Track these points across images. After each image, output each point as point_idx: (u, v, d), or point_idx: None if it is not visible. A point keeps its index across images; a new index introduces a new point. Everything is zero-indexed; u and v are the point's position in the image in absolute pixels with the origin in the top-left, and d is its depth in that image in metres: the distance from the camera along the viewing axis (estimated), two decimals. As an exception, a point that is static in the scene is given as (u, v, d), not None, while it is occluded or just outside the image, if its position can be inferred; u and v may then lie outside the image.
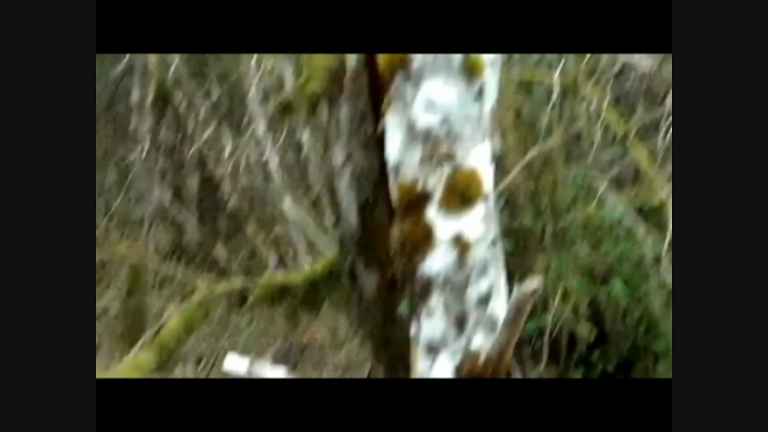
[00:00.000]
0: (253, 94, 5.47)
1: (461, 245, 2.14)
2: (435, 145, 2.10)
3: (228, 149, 5.89)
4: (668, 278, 4.70)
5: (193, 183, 6.67)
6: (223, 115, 6.23)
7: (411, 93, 2.09)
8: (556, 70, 4.88)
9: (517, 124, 4.92)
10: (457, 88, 2.09)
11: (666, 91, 4.94)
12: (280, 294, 5.17)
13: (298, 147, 5.67)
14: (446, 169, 2.11)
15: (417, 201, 2.11)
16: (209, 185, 6.47)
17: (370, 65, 4.78)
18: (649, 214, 5.00)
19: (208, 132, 5.86)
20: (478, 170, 2.15)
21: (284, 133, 5.62)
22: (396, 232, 2.14)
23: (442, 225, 2.12)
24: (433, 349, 2.16)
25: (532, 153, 4.84)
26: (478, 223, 2.15)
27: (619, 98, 5.24)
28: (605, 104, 4.93)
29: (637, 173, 5.06)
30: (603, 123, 4.94)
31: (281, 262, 6.09)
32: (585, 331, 4.81)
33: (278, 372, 2.30)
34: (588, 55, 4.87)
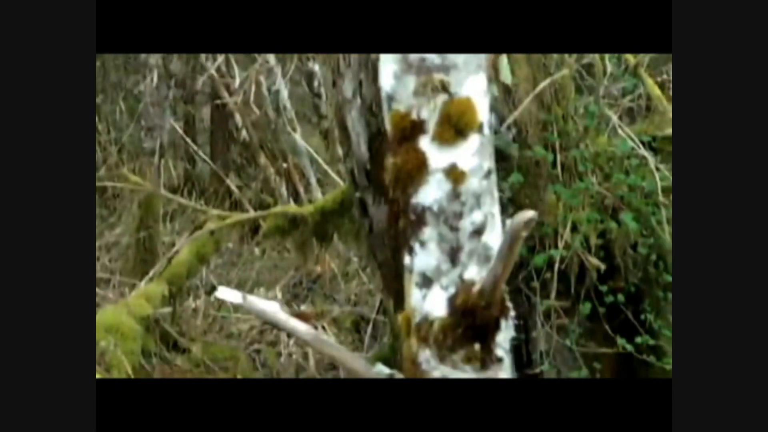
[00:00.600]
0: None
1: (455, 176, 2.12)
2: (428, 75, 2.07)
3: (238, 79, 5.85)
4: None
5: (204, 114, 6.64)
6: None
7: (405, 24, 2.06)
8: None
9: (527, 55, 4.85)
10: (452, 17, 2.06)
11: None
12: (291, 225, 5.19)
13: (309, 77, 5.62)
14: (440, 99, 2.09)
15: (410, 131, 2.10)
16: (221, 116, 6.43)
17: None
18: (660, 145, 4.97)
19: (219, 61, 5.81)
20: (473, 100, 2.13)
21: (294, 63, 5.56)
22: (390, 162, 2.13)
23: (436, 156, 2.11)
24: (426, 281, 2.16)
25: (543, 84, 4.78)
26: (472, 155, 2.14)
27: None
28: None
29: (648, 105, 5.01)
30: (614, 53, 4.88)
31: (293, 193, 6.09)
32: (595, 262, 4.79)
33: (272, 306, 2.32)
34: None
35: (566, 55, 4.86)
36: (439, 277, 2.16)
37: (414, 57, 2.07)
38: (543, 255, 4.74)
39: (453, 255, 2.15)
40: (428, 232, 2.14)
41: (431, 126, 2.10)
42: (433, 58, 2.07)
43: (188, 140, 6.75)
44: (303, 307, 5.23)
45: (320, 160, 6.03)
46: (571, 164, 4.89)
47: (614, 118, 4.84)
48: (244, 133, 6.08)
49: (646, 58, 4.94)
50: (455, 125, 2.10)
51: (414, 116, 2.09)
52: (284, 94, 5.89)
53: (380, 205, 4.90)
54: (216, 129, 6.72)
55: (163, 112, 6.56)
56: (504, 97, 4.79)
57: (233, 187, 6.41)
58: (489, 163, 2.18)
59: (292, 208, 5.47)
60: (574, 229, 4.81)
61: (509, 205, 4.78)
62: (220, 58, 5.85)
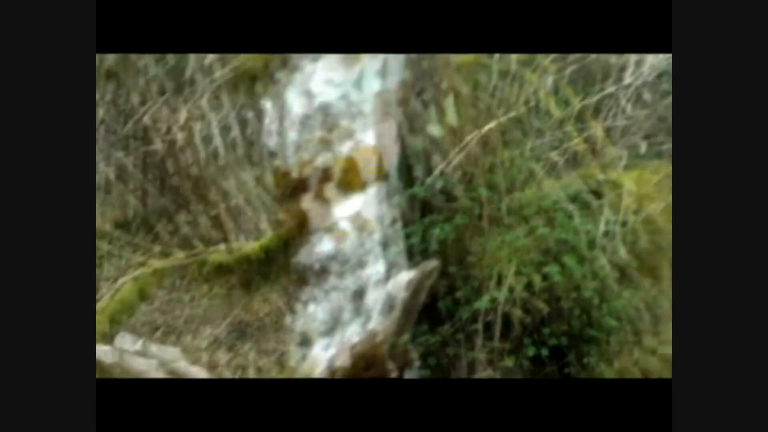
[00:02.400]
0: (195, 68, 5.40)
1: (359, 224, 2.10)
2: (334, 122, 2.05)
3: (175, 123, 5.82)
4: (621, 253, 4.69)
5: (138, 158, 6.61)
6: (169, 89, 6.15)
7: (309, 68, 2.04)
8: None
9: (473, 98, 4.87)
10: (359, 64, 2.05)
11: (624, 65, 4.90)
12: (218, 272, 5.13)
13: (243, 122, 5.58)
14: (344, 147, 2.07)
15: (314, 180, 2.08)
16: (155, 160, 6.40)
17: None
18: (604, 189, 4.98)
19: (154, 106, 5.79)
20: (378, 149, 2.11)
21: (229, 108, 5.54)
22: (291, 210, 2.10)
23: (340, 203, 2.09)
24: (330, 330, 2.13)
25: (489, 126, 4.79)
26: (376, 203, 2.12)
27: (579, 73, 5.20)
28: (564, 81, 4.89)
29: (592, 150, 5.03)
30: (561, 98, 4.90)
31: (225, 238, 6.03)
32: (537, 306, 4.77)
33: (172, 353, 2.28)
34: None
35: (511, 98, 4.87)
36: (344, 324, 2.13)
37: (319, 104, 2.05)
38: (486, 297, 4.72)
39: (356, 304, 2.12)
40: (332, 281, 2.11)
41: (336, 173, 2.08)
42: (338, 105, 2.05)
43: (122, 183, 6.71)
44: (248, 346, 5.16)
45: (252, 206, 5.94)
46: (515, 207, 4.89)
47: (558, 162, 4.84)
48: (194, 169, 6.06)
49: (592, 101, 4.96)
50: (359, 174, 2.07)
51: (319, 163, 2.07)
52: (218, 139, 5.84)
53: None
54: (150, 172, 6.67)
55: (97, 155, 6.52)
56: (450, 139, 4.79)
57: (181, 224, 6.35)
58: (394, 212, 2.16)
59: (236, 246, 5.42)
60: (518, 272, 4.79)
61: (453, 247, 4.79)
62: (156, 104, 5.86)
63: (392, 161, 2.17)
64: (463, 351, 4.69)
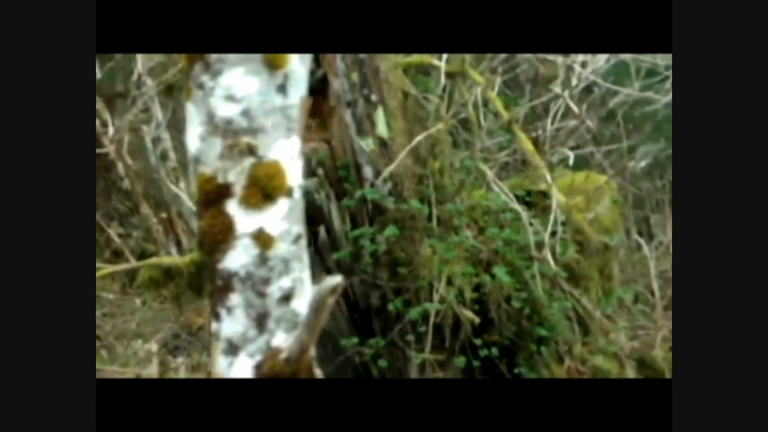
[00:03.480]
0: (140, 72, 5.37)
1: (263, 241, 2.08)
2: (235, 137, 2.04)
3: (118, 128, 5.79)
4: (551, 264, 4.73)
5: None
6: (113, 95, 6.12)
7: (211, 83, 2.02)
8: (443, 56, 4.85)
9: (404, 108, 4.87)
10: (259, 79, 2.03)
11: (552, 76, 4.94)
12: (165, 277, 5.10)
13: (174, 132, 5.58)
14: (247, 163, 2.05)
15: (217, 194, 2.06)
16: (102, 165, 6.35)
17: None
18: (534, 200, 5.01)
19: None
20: (282, 164, 2.10)
21: (173, 113, 5.51)
22: (197, 225, 2.08)
23: (243, 220, 2.07)
24: (233, 347, 2.11)
25: (419, 138, 4.80)
26: (280, 219, 2.10)
27: (510, 82, 5.23)
28: (494, 90, 4.92)
29: (524, 160, 5.06)
30: (491, 109, 4.92)
31: (175, 243, 6.01)
32: (469, 316, 4.79)
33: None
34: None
35: (441, 109, 4.89)
36: (246, 343, 2.11)
37: (220, 119, 2.03)
38: (418, 308, 4.72)
39: (260, 321, 2.11)
40: (235, 298, 2.09)
41: (238, 189, 2.06)
42: (241, 121, 2.04)
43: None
44: (180, 360, 5.13)
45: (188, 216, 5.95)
46: (446, 218, 4.90)
47: (489, 173, 4.86)
48: (126, 182, 6.01)
49: (521, 112, 5.00)
50: (263, 189, 2.06)
51: (220, 180, 2.05)
52: (168, 143, 5.83)
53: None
54: (98, 178, 6.61)
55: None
56: (380, 150, 4.80)
57: (114, 236, 6.30)
58: (298, 228, 2.15)
59: (166, 259, 5.38)
60: (449, 282, 4.81)
61: (385, 258, 4.79)
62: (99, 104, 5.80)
63: (297, 177, 2.16)
64: (413, 353, 4.71)
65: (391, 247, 4.77)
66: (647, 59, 5.28)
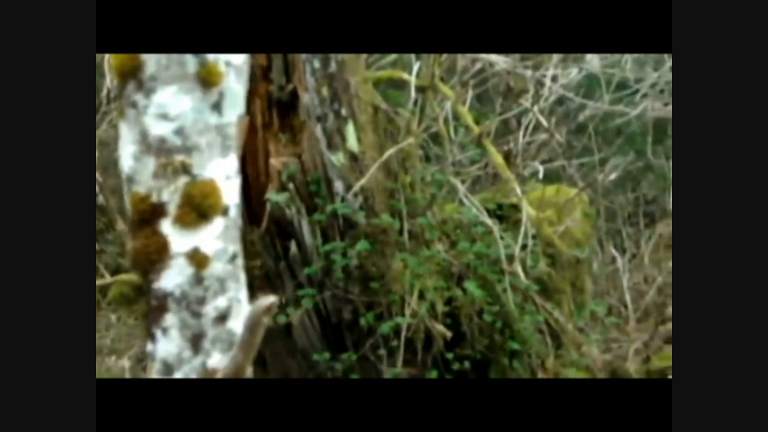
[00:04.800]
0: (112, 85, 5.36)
1: (198, 260, 2.07)
2: (169, 156, 2.03)
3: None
4: (522, 277, 4.72)
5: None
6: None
7: (143, 101, 2.01)
8: (413, 70, 4.85)
9: (374, 123, 4.87)
10: (192, 98, 2.02)
11: (522, 90, 4.94)
12: (137, 293, 5.08)
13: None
14: (181, 182, 2.04)
15: (151, 213, 2.04)
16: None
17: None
18: (506, 213, 5.01)
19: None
20: (217, 183, 2.08)
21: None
22: (130, 245, 2.07)
23: (178, 239, 2.06)
24: (168, 368, 2.09)
25: (390, 152, 4.79)
26: (215, 238, 2.09)
27: (481, 96, 5.23)
28: (465, 105, 4.92)
29: (495, 174, 5.06)
30: (461, 123, 4.92)
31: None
32: (441, 330, 4.78)
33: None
34: (445, 55, 4.85)
35: (412, 123, 4.89)
36: (182, 364, 2.09)
37: (154, 137, 2.02)
38: (390, 322, 4.71)
39: (195, 341, 2.09)
40: (170, 319, 2.08)
41: (172, 209, 2.04)
42: (174, 139, 2.03)
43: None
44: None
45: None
46: (417, 232, 4.89)
47: (460, 187, 4.85)
48: (100, 198, 5.98)
49: (492, 126, 4.99)
50: (197, 208, 2.04)
51: (154, 199, 2.04)
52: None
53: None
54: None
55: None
56: (351, 165, 4.79)
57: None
58: (234, 247, 2.13)
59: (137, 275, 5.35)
60: (421, 296, 4.80)
61: (356, 273, 4.78)
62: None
63: (233, 196, 2.14)
64: (385, 367, 4.70)
65: (362, 261, 4.76)
66: (617, 72, 5.29)
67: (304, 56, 4.70)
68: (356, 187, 4.74)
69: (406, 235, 4.84)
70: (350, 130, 4.82)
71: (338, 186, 4.78)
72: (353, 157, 4.81)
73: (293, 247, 4.78)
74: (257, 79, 4.75)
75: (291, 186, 4.74)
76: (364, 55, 4.93)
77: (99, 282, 5.24)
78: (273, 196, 4.71)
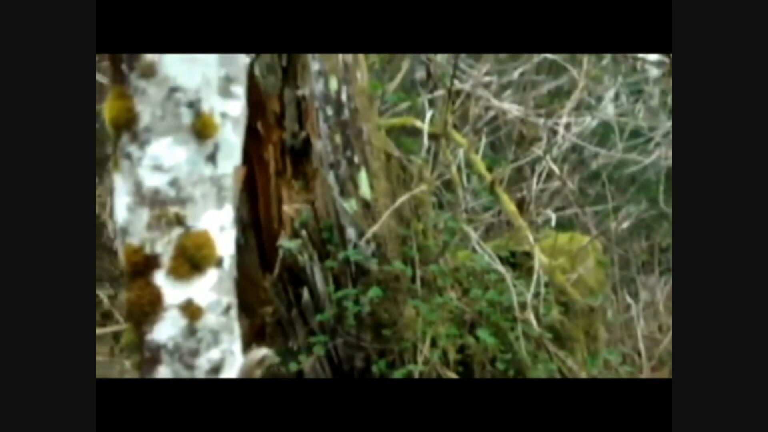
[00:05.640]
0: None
1: (191, 312, 2.07)
2: (163, 208, 2.03)
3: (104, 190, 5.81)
4: (534, 325, 4.69)
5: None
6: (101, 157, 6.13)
7: (138, 153, 2.02)
8: (425, 117, 4.86)
9: (387, 170, 4.88)
10: (187, 149, 2.03)
11: (534, 137, 4.94)
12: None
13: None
14: (175, 233, 2.04)
15: (145, 265, 2.04)
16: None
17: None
18: (518, 261, 4.99)
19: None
20: (211, 235, 2.08)
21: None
22: (125, 297, 2.07)
23: (171, 291, 2.05)
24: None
25: (402, 199, 4.80)
26: (209, 290, 2.08)
27: (494, 144, 5.23)
28: (478, 152, 4.92)
29: (508, 221, 5.04)
30: (474, 170, 4.92)
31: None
32: (453, 378, 4.74)
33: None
34: (457, 103, 4.87)
35: (425, 170, 4.89)
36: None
37: (148, 189, 2.03)
38: (402, 370, 4.69)
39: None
40: (163, 371, 2.07)
41: (166, 260, 2.04)
42: (168, 191, 2.03)
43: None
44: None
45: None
46: (430, 279, 4.88)
47: (473, 234, 4.84)
48: (116, 243, 6.01)
49: (505, 173, 4.99)
50: (191, 259, 2.04)
51: (148, 250, 2.04)
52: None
53: (239, 320, 4.84)
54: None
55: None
56: (363, 212, 4.80)
57: (104, 297, 6.31)
58: (228, 299, 2.13)
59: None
60: (433, 344, 4.77)
61: (369, 320, 4.77)
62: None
63: (228, 247, 2.14)
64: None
65: (374, 308, 4.75)
66: (630, 120, 5.29)
67: (317, 103, 4.73)
68: (369, 233, 4.74)
69: (418, 282, 4.82)
70: (363, 177, 4.83)
71: (351, 233, 4.79)
72: (366, 204, 4.81)
73: (305, 293, 4.78)
74: (270, 126, 4.79)
75: (303, 233, 4.74)
76: (377, 103, 4.96)
77: (113, 328, 5.24)
78: (285, 242, 4.72)
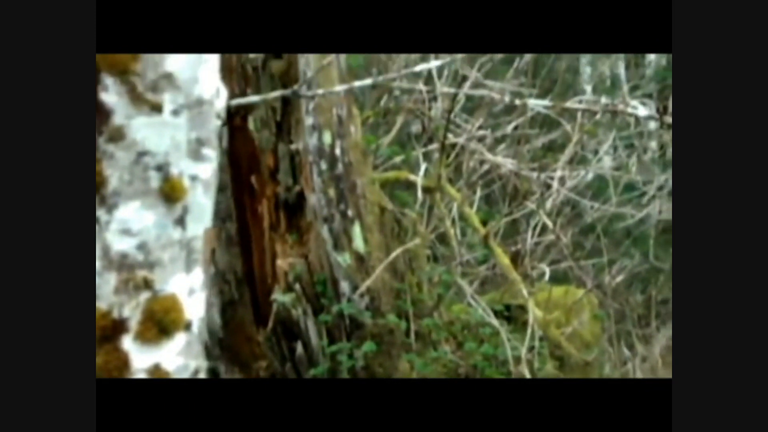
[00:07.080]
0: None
1: (159, 377, 2.06)
2: (131, 272, 2.03)
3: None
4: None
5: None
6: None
7: (105, 217, 2.02)
8: (419, 171, 4.88)
9: (381, 223, 4.88)
10: (155, 213, 2.03)
11: (528, 191, 4.95)
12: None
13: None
14: (143, 297, 2.04)
15: (113, 330, 2.04)
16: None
17: (230, 161, 4.78)
18: (513, 314, 4.97)
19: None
20: (179, 298, 2.08)
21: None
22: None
23: (139, 356, 2.05)
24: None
25: (396, 252, 4.80)
26: (176, 354, 2.08)
27: (488, 197, 5.24)
28: (473, 206, 4.93)
29: (503, 274, 5.04)
30: (468, 224, 4.92)
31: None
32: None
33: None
34: (452, 157, 4.89)
35: (419, 224, 4.90)
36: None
37: (116, 253, 2.03)
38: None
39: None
40: (130, 434, 2.06)
41: (134, 324, 2.04)
42: (136, 255, 2.03)
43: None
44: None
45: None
46: (424, 333, 4.86)
47: (467, 288, 4.83)
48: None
49: (499, 227, 4.99)
50: (158, 324, 2.04)
51: (116, 315, 2.03)
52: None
53: (232, 374, 4.82)
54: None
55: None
56: (357, 265, 4.79)
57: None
58: (196, 363, 2.12)
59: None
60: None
61: (363, 374, 4.74)
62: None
63: (197, 311, 2.14)
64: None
65: (368, 362, 4.74)
66: (623, 174, 5.30)
67: (311, 157, 4.75)
68: (363, 287, 4.74)
69: (412, 335, 4.81)
70: (356, 231, 4.84)
71: (344, 286, 4.78)
72: (359, 258, 4.81)
73: (299, 347, 4.76)
74: (264, 180, 4.81)
75: (297, 286, 4.74)
76: (371, 157, 4.98)
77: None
78: (279, 296, 4.72)
